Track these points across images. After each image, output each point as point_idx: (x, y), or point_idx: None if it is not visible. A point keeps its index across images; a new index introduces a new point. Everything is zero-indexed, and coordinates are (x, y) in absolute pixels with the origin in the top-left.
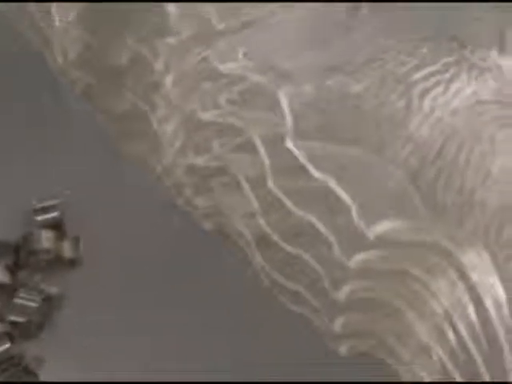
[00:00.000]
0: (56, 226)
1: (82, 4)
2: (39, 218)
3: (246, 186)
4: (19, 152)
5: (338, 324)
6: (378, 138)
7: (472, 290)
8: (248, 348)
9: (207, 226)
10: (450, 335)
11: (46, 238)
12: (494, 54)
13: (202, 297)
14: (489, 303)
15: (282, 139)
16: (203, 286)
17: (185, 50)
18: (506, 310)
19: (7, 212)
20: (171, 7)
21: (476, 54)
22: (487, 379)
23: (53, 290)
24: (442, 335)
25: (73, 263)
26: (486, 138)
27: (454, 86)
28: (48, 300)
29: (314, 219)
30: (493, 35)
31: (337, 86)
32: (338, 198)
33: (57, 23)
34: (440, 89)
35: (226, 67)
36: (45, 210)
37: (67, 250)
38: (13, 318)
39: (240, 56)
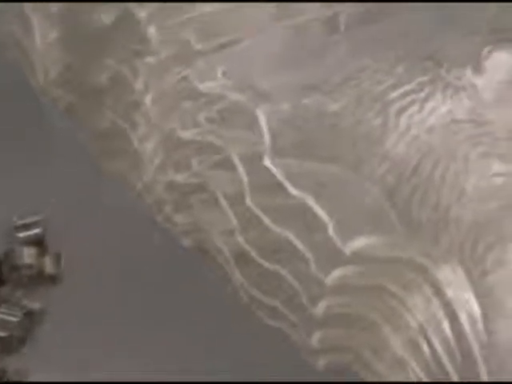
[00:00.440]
0: (38, 243)
1: (62, 25)
2: (21, 234)
3: (224, 203)
4: (0, 169)
5: (315, 339)
6: (355, 156)
7: (447, 305)
8: (227, 363)
9: (186, 242)
10: (425, 349)
11: (27, 254)
12: (468, 73)
13: (181, 312)
14: (463, 318)
15: (260, 157)
16: (182, 302)
17: (164, 70)
18: (480, 326)
19: None
20: (151, 29)
21: (451, 73)
22: None
23: (34, 305)
24: (417, 349)
25: (54, 279)
26: (461, 156)
27: (429, 105)
28: (30, 315)
29: (291, 236)
30: (468, 54)
31: (314, 104)
32: (315, 215)
33: (38, 43)
34: (416, 107)
35: (205, 86)
36: (26, 226)
37: (49, 265)
38: None
39: (219, 75)
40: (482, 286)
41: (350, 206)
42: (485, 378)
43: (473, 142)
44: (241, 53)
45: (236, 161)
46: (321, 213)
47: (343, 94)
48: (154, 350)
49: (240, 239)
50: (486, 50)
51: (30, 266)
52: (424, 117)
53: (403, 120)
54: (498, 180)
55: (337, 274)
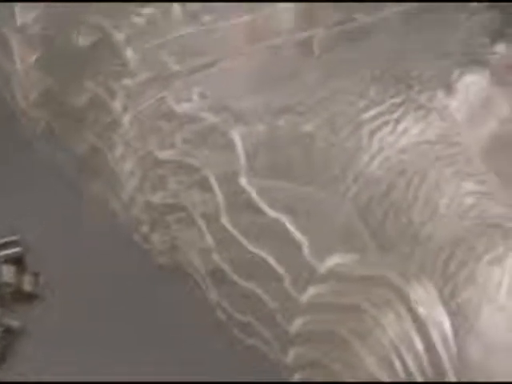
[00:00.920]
0: (17, 261)
1: (41, 47)
2: (0, 253)
3: (200, 222)
4: None
5: (290, 356)
6: (329, 176)
7: (418, 322)
8: (202, 380)
9: (163, 261)
10: (397, 366)
11: (6, 273)
12: (440, 94)
13: (158, 331)
14: (435, 335)
15: (236, 177)
16: (159, 320)
17: (142, 91)
18: (451, 342)
19: None
20: (129, 51)
21: (423, 94)
22: None
23: (14, 322)
24: (389, 366)
25: (33, 297)
26: (433, 176)
27: (401, 126)
28: (9, 332)
29: (266, 255)
30: (439, 76)
31: (288, 125)
32: (289, 234)
33: (18, 65)
34: (388, 128)
35: (181, 107)
36: (6, 245)
37: (27, 284)
38: None
39: (195, 97)
40: (453, 303)
41: (324, 226)
42: None
43: (445, 162)
44: (217, 75)
45: (212, 181)
46: (295, 232)
47: (317, 116)
48: (132, 367)
49: (216, 258)
50: (457, 72)
51: (9, 284)
52: (396, 137)
53: (376, 141)
54: (470, 199)
55: (311, 292)
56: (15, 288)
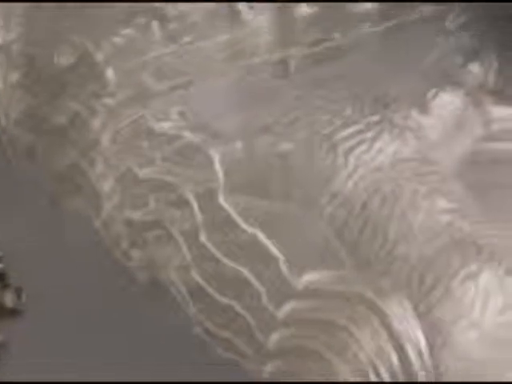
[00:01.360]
0: None
1: (23, 67)
2: None
3: (179, 239)
4: None
5: (267, 370)
6: (305, 194)
7: (394, 337)
8: None
9: (143, 276)
10: (373, 380)
11: None
12: (415, 113)
13: (137, 346)
14: (410, 350)
15: (214, 195)
16: (139, 335)
17: (122, 110)
18: (426, 357)
19: None
20: (109, 71)
21: (398, 114)
22: None
23: None
24: (365, 380)
25: (15, 313)
26: (408, 194)
27: (377, 145)
28: None
29: (244, 271)
30: (414, 96)
31: (266, 144)
32: (267, 251)
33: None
34: (364, 147)
35: (160, 126)
36: None
37: (9, 300)
38: None
39: (174, 116)
40: (428, 318)
41: (300, 243)
42: None
43: (419, 180)
44: (196, 94)
45: (191, 198)
46: (272, 249)
47: (294, 135)
48: (114, 380)
49: (194, 274)
50: (432, 91)
51: None
52: (372, 156)
53: (352, 159)
54: (444, 217)
55: (288, 307)
56: None
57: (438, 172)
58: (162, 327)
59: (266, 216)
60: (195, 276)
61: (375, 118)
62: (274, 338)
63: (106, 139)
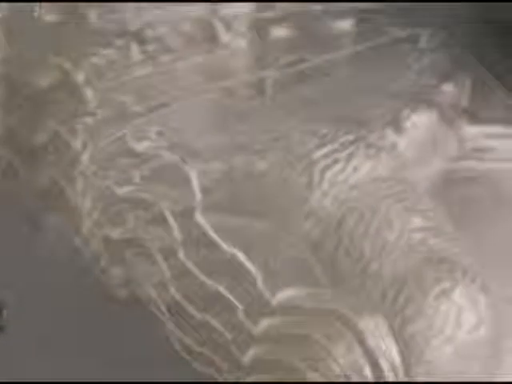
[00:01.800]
0: None
1: (2, 87)
2: None
3: (158, 256)
4: None
5: None
6: (282, 212)
7: (368, 353)
8: None
9: (122, 293)
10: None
11: None
12: (390, 133)
13: (116, 362)
14: (384, 366)
15: (192, 213)
16: (118, 352)
17: (101, 130)
18: (400, 373)
19: None
20: (88, 91)
21: (373, 133)
22: None
23: None
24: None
25: None
26: (382, 212)
27: (352, 164)
28: None
29: (221, 288)
30: (389, 116)
31: (243, 163)
32: (244, 268)
33: None
34: (339, 166)
35: (140, 146)
36: None
37: None
38: None
39: (153, 135)
40: (402, 335)
41: (277, 260)
42: None
43: (394, 198)
44: (174, 114)
45: (169, 217)
46: (250, 266)
47: (271, 154)
48: None
49: (172, 291)
50: (406, 111)
51: None
52: (347, 175)
53: (327, 178)
54: (418, 234)
55: (265, 323)
56: None
57: (413, 190)
58: (140, 343)
59: (243, 234)
60: (173, 293)
61: (350, 137)
62: (251, 353)
63: (85, 158)
